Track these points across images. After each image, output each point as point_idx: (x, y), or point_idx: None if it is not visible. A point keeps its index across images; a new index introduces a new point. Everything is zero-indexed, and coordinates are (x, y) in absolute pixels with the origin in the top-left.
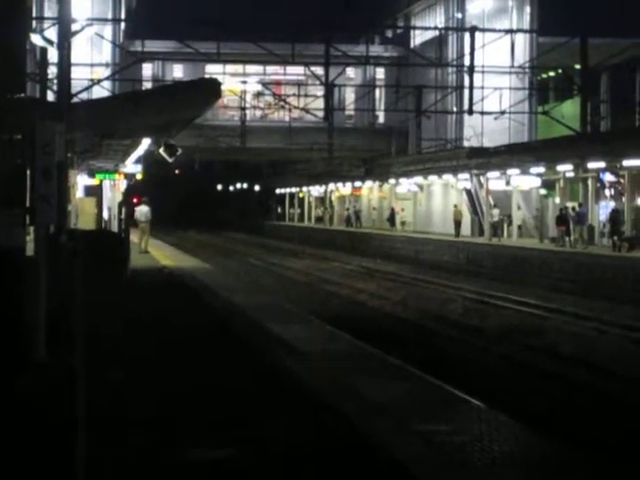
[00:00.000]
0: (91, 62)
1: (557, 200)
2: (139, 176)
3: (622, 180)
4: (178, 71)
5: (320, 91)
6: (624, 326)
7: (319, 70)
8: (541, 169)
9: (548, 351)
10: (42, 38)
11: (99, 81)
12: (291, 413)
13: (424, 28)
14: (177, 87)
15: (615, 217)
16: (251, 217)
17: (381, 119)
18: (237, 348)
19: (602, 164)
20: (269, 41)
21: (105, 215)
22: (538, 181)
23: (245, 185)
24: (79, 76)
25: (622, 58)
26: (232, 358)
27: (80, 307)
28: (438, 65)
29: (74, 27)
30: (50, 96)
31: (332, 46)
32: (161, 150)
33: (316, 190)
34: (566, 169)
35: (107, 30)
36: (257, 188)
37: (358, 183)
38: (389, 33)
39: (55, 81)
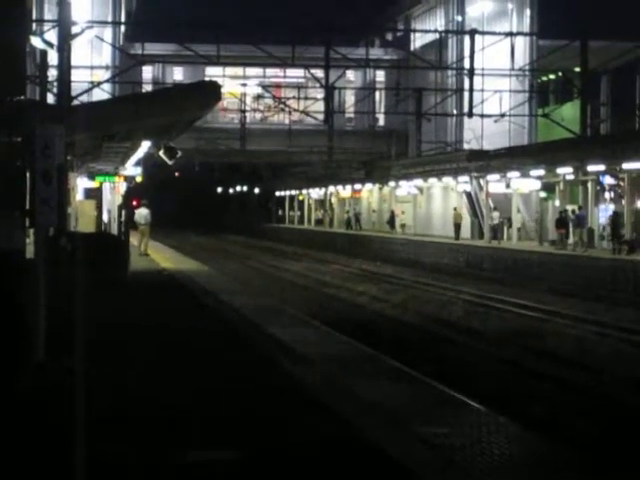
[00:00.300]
0: (91, 65)
1: (557, 203)
2: (139, 179)
3: (622, 183)
4: (178, 74)
5: (320, 94)
6: (623, 329)
7: (319, 73)
8: (541, 172)
9: (548, 354)
10: (42, 40)
11: (99, 84)
12: (289, 415)
13: (424, 31)
14: (177, 90)
15: (615, 220)
16: (251, 219)
17: (381, 122)
18: (236, 350)
19: (602, 167)
20: (269, 44)
21: (105, 218)
22: (538, 184)
23: (245, 188)
24: (79, 79)
25: (622, 61)
26: (231, 360)
27: (80, 310)
28: (438, 68)
29: (74, 30)
30: (50, 98)
31: (332, 49)
32: (161, 153)
33: (316, 193)
34: (566, 172)
35: (107, 33)
36: (257, 191)
37: (358, 186)
38: (389, 36)
39: (55, 83)
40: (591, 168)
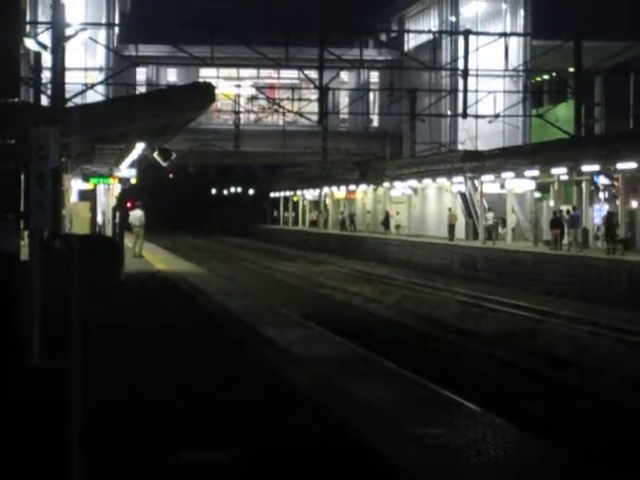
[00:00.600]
0: (85, 66)
1: (551, 203)
2: (133, 180)
3: (616, 183)
4: (172, 75)
5: (314, 95)
6: (618, 329)
7: (313, 74)
8: (535, 172)
9: (541, 354)
10: (36, 42)
11: (93, 85)
12: (284, 416)
13: (418, 32)
14: (171, 91)
15: (610, 220)
16: (245, 221)
17: (375, 123)
18: (231, 352)
19: (596, 167)
20: (263, 45)
21: (99, 219)
22: (532, 184)
23: (239, 189)
24: (73, 80)
25: (616, 61)
26: (225, 361)
27: (74, 311)
28: (432, 68)
29: (68, 31)
30: (44, 100)
31: (326, 50)
32: (155, 154)
33: (310, 194)
34: (560, 172)
35: (101, 34)
36: (251, 192)
37: (352, 187)
38: (383, 36)
39: (49, 85)
40: (585, 168)
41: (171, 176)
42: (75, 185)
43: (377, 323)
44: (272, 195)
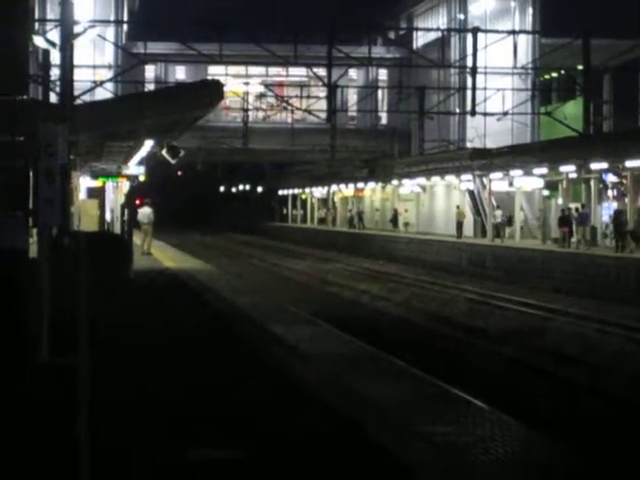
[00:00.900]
0: (94, 64)
1: (560, 201)
2: (142, 178)
3: (625, 181)
4: (180, 73)
5: (323, 92)
6: (627, 327)
7: (321, 71)
8: (544, 170)
9: (550, 352)
10: (45, 40)
11: (102, 83)
12: (292, 414)
13: (426, 29)
14: (180, 89)
15: (618, 218)
16: (253, 218)
17: (384, 120)
18: (239, 349)
19: (605, 165)
20: (272, 42)
21: (108, 217)
22: (541, 182)
23: (248, 187)
24: (81, 78)
25: (625, 59)
26: (233, 359)
27: (83, 309)
28: (441, 66)
29: (76, 29)
30: (53, 98)
31: (335, 47)
32: (164, 152)
33: (319, 191)
34: (569, 170)
35: (109, 32)
36: (260, 189)
37: (361, 184)
38: (392, 34)
39: (58, 83)
40: (594, 166)
41: (179, 174)
42: (84, 182)
43: (386, 321)
44: (280, 193)
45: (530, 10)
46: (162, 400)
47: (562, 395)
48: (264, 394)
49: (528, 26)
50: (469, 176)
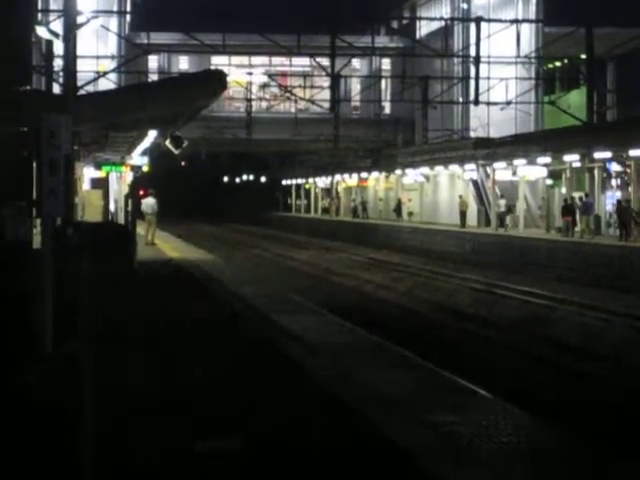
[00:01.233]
0: (97, 54)
1: (563, 190)
2: (145, 168)
3: (629, 170)
4: (184, 63)
5: (326, 82)
6: (631, 316)
7: (325, 61)
8: (547, 159)
9: (554, 341)
10: (48, 31)
11: (105, 73)
12: (299, 404)
13: (430, 19)
14: (183, 79)
15: (621, 207)
16: (257, 208)
17: (387, 110)
18: (244, 340)
19: (608, 154)
20: (275, 32)
21: (111, 207)
22: (544, 171)
23: (251, 177)
24: (85, 68)
25: (628, 47)
26: (240, 349)
27: (86, 300)
28: (444, 56)
29: (79, 19)
30: (56, 88)
31: (338, 37)
32: (167, 142)
33: (322, 181)
34: (572, 159)
35: (113, 22)
36: (263, 179)
37: (364, 174)
38: (395, 24)
39: (61, 73)
40: (598, 155)
41: (183, 164)
42: (87, 173)
43: (390, 310)
44: (284, 183)
45: None
46: (167, 389)
47: (563, 383)
48: (267, 384)
49: (531, 15)
50: (473, 165)
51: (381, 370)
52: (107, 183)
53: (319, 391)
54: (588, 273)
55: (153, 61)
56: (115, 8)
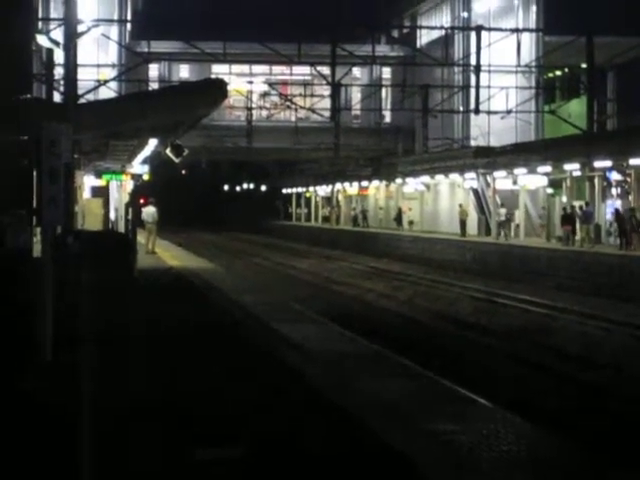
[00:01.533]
0: (97, 63)
1: (564, 199)
2: (146, 177)
3: (629, 179)
4: (184, 71)
5: (326, 91)
6: (631, 325)
7: (325, 70)
8: (548, 168)
9: (554, 350)
10: (48, 39)
11: (105, 82)
12: (299, 412)
13: (430, 27)
14: (183, 88)
15: (620, 217)
16: (257, 217)
17: (387, 119)
18: (245, 348)
19: (609, 163)
20: (275, 41)
21: (112, 216)
22: (545, 180)
23: (252, 185)
24: (85, 77)
25: (629, 56)
26: (239, 358)
27: (86, 308)
28: (444, 64)
29: (80, 28)
30: (56, 97)
31: (338, 46)
32: (168, 150)
33: (323, 190)
34: (573, 168)
35: (113, 31)
36: (264, 188)
37: (365, 183)
38: (395, 33)
39: (61, 82)
40: (598, 164)
41: (184, 172)
42: (88, 181)
43: (391, 319)
44: (284, 191)
45: (534, 8)
46: (167, 397)
47: (563, 391)
48: (267, 392)
49: (532, 24)
50: (473, 174)
51: (381, 378)
52: (107, 192)
53: (319, 398)
54: (588, 282)
55: (154, 70)
56: (116, 17)
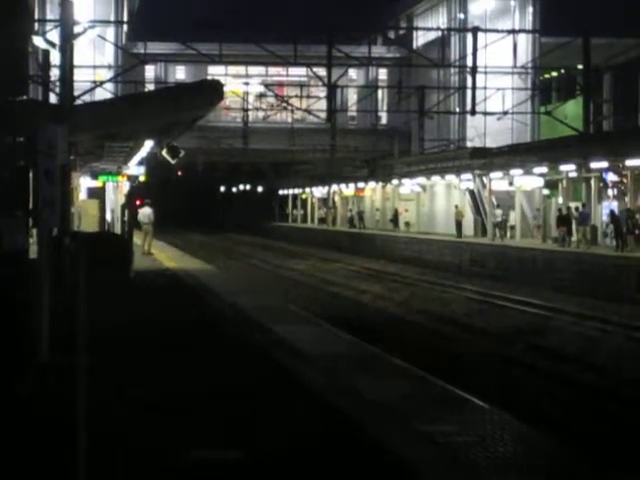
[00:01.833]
0: (93, 64)
1: (560, 200)
2: (142, 178)
3: (625, 180)
4: (180, 73)
5: (322, 92)
6: (627, 326)
7: (321, 71)
8: (544, 169)
9: (550, 351)
10: (44, 40)
11: (102, 83)
12: (296, 414)
13: (426, 29)
14: (180, 89)
15: (616, 218)
16: (254, 218)
17: (384, 120)
18: (240, 349)
19: (605, 164)
20: (271, 42)
21: (108, 217)
22: (541, 181)
23: (248, 187)
24: (81, 78)
25: (625, 58)
26: (235, 359)
27: (83, 309)
28: (441, 66)
29: (76, 29)
30: (53, 98)
31: (334, 47)
32: (164, 152)
33: (319, 191)
34: (569, 169)
35: (109, 32)
36: (260, 189)
37: (361, 184)
38: (392, 34)
39: (58, 83)
40: (594, 165)
41: (180, 174)
42: (84, 183)
43: (387, 320)
44: (281, 193)
45: (530, 9)
46: (163, 399)
47: (559, 392)
48: (264, 393)
49: (528, 25)
50: (469, 175)
51: (377, 380)
52: (104, 193)
53: (314, 398)
54: (585, 283)
55: (150, 71)
56: (112, 18)
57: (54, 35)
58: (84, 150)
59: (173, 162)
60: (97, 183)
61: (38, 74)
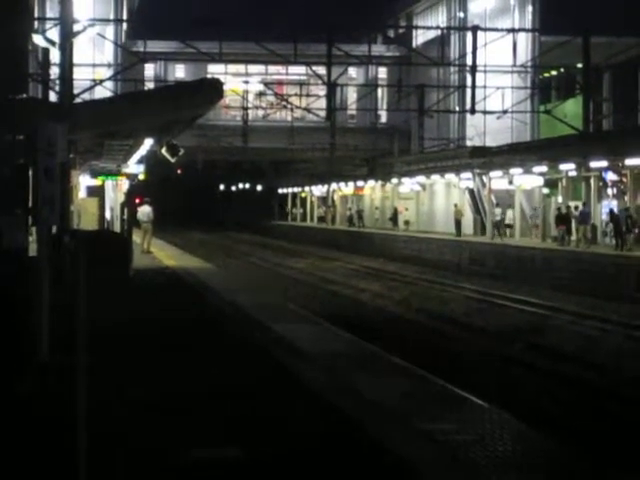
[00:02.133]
0: (93, 62)
1: (560, 199)
2: (141, 176)
3: (624, 179)
4: (180, 71)
5: (322, 91)
6: (627, 325)
7: (321, 70)
8: (543, 168)
9: (549, 350)
10: (44, 39)
11: (101, 81)
12: (295, 413)
13: (426, 27)
14: (179, 87)
15: (616, 217)
16: (253, 217)
17: (383, 119)
18: (239, 348)
19: (604, 163)
20: (271, 41)
21: (107, 215)
22: (541, 180)
23: (247, 185)
24: (81, 76)
25: (625, 56)
26: (234, 358)
27: (83, 308)
28: (440, 64)
29: (76, 27)
30: (52, 97)
31: (334, 46)
32: (163, 150)
33: (318, 190)
34: (568, 168)
35: (109, 30)
36: (259, 188)
37: (360, 183)
38: (391, 32)
39: (57, 81)
40: (594, 164)
41: (179, 172)
42: (83, 181)
43: (386, 319)
44: (280, 191)
45: (530, 8)
46: (163, 398)
47: (558, 391)
48: (263, 392)
49: (528, 24)
50: (469, 174)
51: (377, 378)
52: (103, 191)
53: (314, 397)
54: (584, 282)
55: (149, 69)
56: (112, 16)
57: (54, 33)
58: (84, 148)
59: (173, 160)
60: (97, 181)
61: (38, 72)
